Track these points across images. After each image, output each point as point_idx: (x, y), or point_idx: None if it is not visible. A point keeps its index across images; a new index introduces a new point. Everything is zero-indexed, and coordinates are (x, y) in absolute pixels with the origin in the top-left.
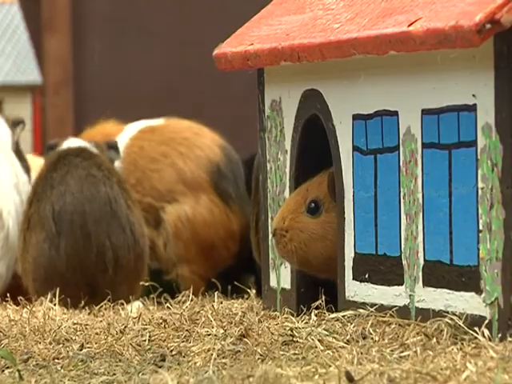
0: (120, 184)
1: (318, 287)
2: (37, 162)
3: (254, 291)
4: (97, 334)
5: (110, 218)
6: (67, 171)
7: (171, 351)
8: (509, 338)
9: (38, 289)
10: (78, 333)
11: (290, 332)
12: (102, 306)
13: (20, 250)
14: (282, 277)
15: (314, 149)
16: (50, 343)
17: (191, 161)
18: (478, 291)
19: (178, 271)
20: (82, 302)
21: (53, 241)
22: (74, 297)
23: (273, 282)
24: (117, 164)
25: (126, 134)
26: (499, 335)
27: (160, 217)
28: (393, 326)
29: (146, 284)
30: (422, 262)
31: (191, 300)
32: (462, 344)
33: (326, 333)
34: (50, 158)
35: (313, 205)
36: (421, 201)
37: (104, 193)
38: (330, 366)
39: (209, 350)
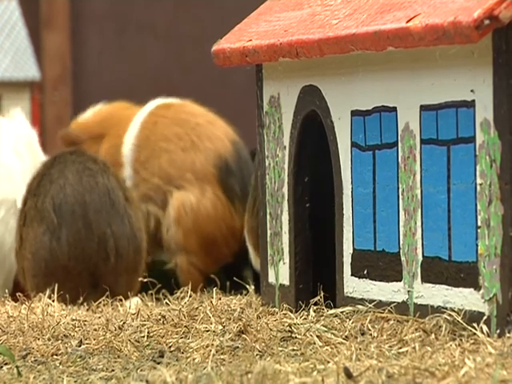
0: (116, 177)
1: (316, 283)
2: None
3: (252, 287)
4: (95, 330)
5: (110, 208)
6: (64, 166)
7: (170, 347)
8: (507, 334)
9: (39, 284)
10: (77, 329)
11: (288, 328)
12: (100, 302)
13: (16, 248)
14: (280, 273)
15: (313, 145)
16: (49, 339)
17: (200, 152)
18: (477, 287)
19: (176, 260)
20: (83, 297)
21: (53, 233)
22: (75, 287)
23: (271, 278)
24: (131, 141)
25: (146, 109)
26: (498, 331)
27: (167, 200)
28: (391, 322)
29: (145, 280)
30: (420, 258)
31: (190, 296)
32: (461, 340)
33: (325, 329)
34: (46, 159)
35: None
36: (419, 197)
37: (102, 184)
38: (328, 362)
39: (207, 346)
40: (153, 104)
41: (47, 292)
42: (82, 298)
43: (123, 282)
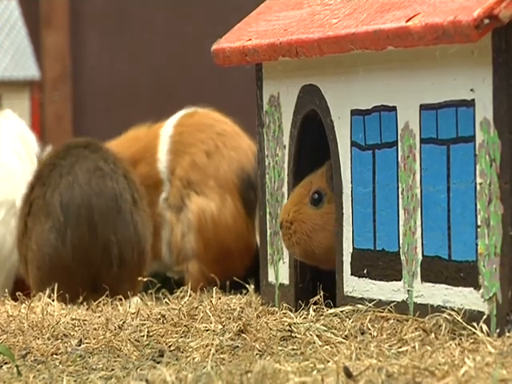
0: (126, 176)
1: (316, 282)
2: None
3: (252, 286)
4: (95, 329)
5: (116, 214)
6: (76, 161)
7: (169, 347)
8: (507, 334)
9: (42, 277)
10: (77, 328)
11: (288, 327)
12: (100, 302)
13: (19, 235)
14: (280, 272)
15: (313, 144)
16: (49, 339)
17: (224, 159)
18: (477, 286)
19: (188, 266)
20: (82, 297)
21: (59, 231)
22: (76, 290)
23: (271, 278)
24: (165, 157)
25: (169, 124)
26: (497, 330)
27: (183, 203)
28: (391, 322)
29: (145, 279)
30: (420, 257)
31: (190, 295)
32: (461, 339)
33: (325, 328)
34: (59, 147)
35: (316, 196)
36: (419, 196)
37: (111, 188)
38: (328, 362)
39: (207, 346)
40: (177, 115)
41: (47, 291)
42: (81, 298)
43: (125, 287)
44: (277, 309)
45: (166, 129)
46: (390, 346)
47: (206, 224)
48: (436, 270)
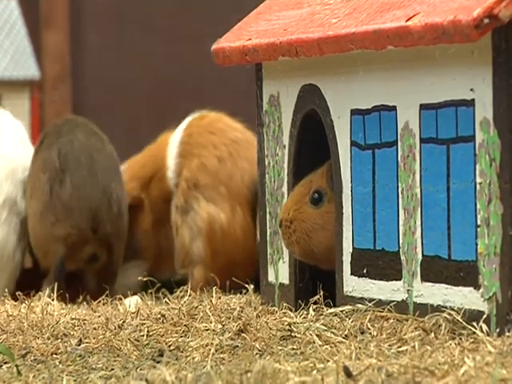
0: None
1: (316, 282)
2: None
3: (252, 286)
4: (95, 329)
5: (115, 171)
6: (75, 126)
7: (169, 346)
8: (507, 333)
9: (40, 234)
10: (76, 328)
11: (288, 327)
12: (100, 301)
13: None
14: (280, 272)
15: (312, 144)
16: (49, 338)
17: (237, 169)
18: (476, 286)
19: (193, 270)
20: (81, 241)
21: (56, 178)
22: (76, 226)
23: (271, 277)
24: (173, 162)
25: (179, 130)
26: (497, 330)
27: (189, 205)
28: (391, 321)
29: (145, 279)
30: (420, 256)
31: (189, 295)
32: (460, 339)
33: (324, 328)
34: (57, 121)
35: (316, 195)
36: (419, 196)
37: (110, 150)
38: (328, 361)
39: (207, 345)
40: (187, 119)
41: (47, 291)
42: (81, 297)
43: (122, 241)
44: (277, 308)
45: (176, 135)
46: (389, 345)
47: (216, 233)
48: (436, 269)
